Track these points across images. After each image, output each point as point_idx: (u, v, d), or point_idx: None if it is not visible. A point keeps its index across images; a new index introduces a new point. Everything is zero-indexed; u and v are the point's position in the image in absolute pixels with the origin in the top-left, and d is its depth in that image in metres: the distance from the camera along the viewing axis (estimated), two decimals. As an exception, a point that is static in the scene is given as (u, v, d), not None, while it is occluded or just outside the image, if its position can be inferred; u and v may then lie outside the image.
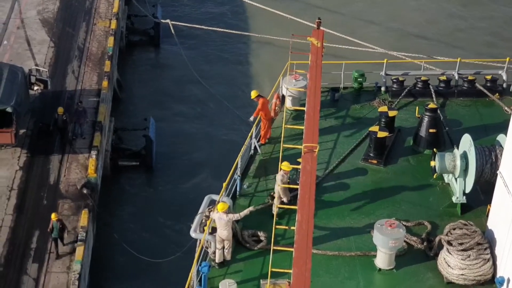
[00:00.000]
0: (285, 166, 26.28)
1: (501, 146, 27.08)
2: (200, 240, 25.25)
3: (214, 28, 48.16)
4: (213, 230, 25.28)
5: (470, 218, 26.22)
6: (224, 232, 24.70)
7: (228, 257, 25.14)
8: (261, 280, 24.10)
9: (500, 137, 27.44)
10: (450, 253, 24.61)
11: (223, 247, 24.95)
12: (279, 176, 26.43)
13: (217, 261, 25.08)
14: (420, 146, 30.33)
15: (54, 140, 35.26)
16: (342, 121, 32.03)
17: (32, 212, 31.38)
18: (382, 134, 29.65)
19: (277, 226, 23.93)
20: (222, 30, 47.96)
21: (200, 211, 26.20)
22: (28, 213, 31.33)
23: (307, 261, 19.96)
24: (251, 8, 51.40)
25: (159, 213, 36.07)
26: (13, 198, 31.99)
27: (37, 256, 29.40)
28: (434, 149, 28.49)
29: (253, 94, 30.29)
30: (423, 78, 33.70)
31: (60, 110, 34.69)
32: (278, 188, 26.42)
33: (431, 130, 30.07)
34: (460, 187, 27.33)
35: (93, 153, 34.08)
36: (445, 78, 33.89)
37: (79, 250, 29.14)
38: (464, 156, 27.18)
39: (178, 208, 35.79)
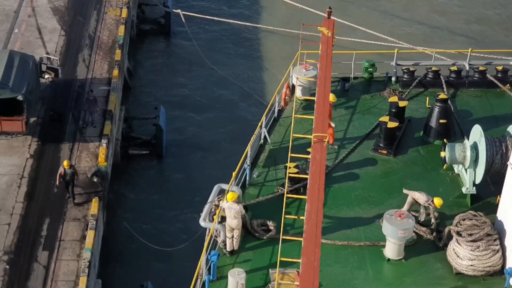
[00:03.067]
0: (437, 202, 25.75)
1: (511, 137, 27.01)
2: (210, 229, 25.33)
3: (224, 20, 48.10)
4: (223, 219, 25.36)
5: (480, 209, 26.20)
6: (234, 222, 24.76)
7: (236, 247, 25.21)
8: (270, 269, 24.18)
9: (511, 128, 27.37)
10: (459, 244, 24.60)
11: (233, 236, 25.02)
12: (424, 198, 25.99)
13: (228, 249, 25.16)
14: (430, 136, 30.29)
15: (65, 128, 35.37)
16: (352, 111, 31.99)
17: (43, 200, 31.50)
18: (392, 125, 29.61)
19: (287, 216, 23.97)
20: (232, 21, 47.90)
21: (209, 200, 26.28)
22: (39, 201, 31.45)
23: (316, 251, 19.98)
24: (262, -3, 51.46)
25: (168, 202, 36.16)
26: (23, 186, 32.11)
27: (48, 243, 29.52)
28: (444, 140, 28.45)
29: (332, 97, 29.16)
30: (433, 68, 33.64)
31: (66, 163, 30.83)
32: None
33: (441, 121, 30.03)
34: (470, 178, 27.28)
35: (104, 141, 34.15)
36: (456, 69, 33.80)
37: (90, 238, 29.26)
38: (474, 147, 27.12)
39: (187, 197, 35.87)
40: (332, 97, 28.93)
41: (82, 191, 31.80)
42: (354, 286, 24.27)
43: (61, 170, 30.91)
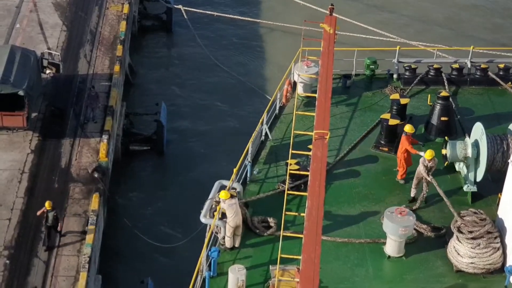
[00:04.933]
0: (428, 154, 26.25)
1: (513, 135, 27.01)
2: (210, 226, 25.33)
3: (226, 15, 48.08)
4: (223, 215, 25.35)
5: (481, 207, 26.21)
6: (236, 218, 24.68)
7: (238, 244, 25.19)
8: (270, 266, 24.20)
9: (512, 126, 27.37)
10: (460, 242, 24.59)
11: (234, 234, 24.99)
12: (420, 164, 26.59)
13: (227, 246, 25.14)
14: (431, 134, 30.27)
15: (66, 124, 35.37)
16: (354, 108, 31.98)
17: (43, 196, 31.44)
18: (393, 122, 29.60)
19: (287, 213, 23.97)
20: (234, 17, 47.87)
21: (210, 196, 26.27)
22: (39, 197, 31.44)
23: (317, 248, 19.98)
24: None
25: (169, 198, 36.16)
26: (24, 181, 32.11)
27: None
28: (446, 137, 28.44)
29: (409, 128, 28.09)
30: (435, 66, 33.61)
31: (48, 204, 28.77)
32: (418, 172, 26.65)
33: (442, 118, 30.01)
34: (471, 175, 27.27)
35: (105, 137, 34.15)
36: (458, 66, 33.78)
37: (90, 234, 29.25)
38: (476, 145, 27.10)
39: (188, 193, 35.85)
40: (409, 128, 27.86)
41: (82, 186, 31.88)
42: (355, 283, 24.27)
43: (43, 209, 28.82)
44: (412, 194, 27.11)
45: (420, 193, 26.92)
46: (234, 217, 24.71)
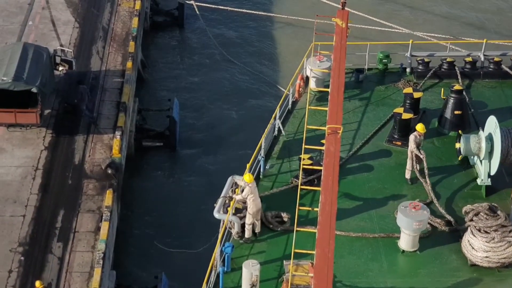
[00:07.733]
0: (420, 128, 27.00)
1: (527, 128, 26.88)
2: (224, 221, 25.34)
3: (238, 10, 48.05)
4: (237, 211, 25.36)
5: (495, 200, 26.10)
6: (256, 201, 24.85)
7: (258, 230, 25.34)
8: (284, 261, 24.16)
9: (526, 119, 27.26)
10: (474, 235, 24.50)
11: (255, 220, 25.13)
12: (412, 137, 27.12)
13: (247, 236, 25.15)
14: (445, 127, 30.16)
15: (79, 120, 35.46)
16: (366, 103, 31.90)
17: (57, 192, 31.60)
18: (406, 116, 29.51)
19: (301, 207, 23.95)
20: (246, 11, 47.83)
21: (223, 192, 26.28)
22: (53, 193, 31.55)
23: (331, 242, 19.96)
24: (276, -12, 51.30)
25: (182, 194, 36.20)
26: (38, 177, 32.22)
27: (62, 235, 29.62)
28: (459, 131, 28.34)
29: None
30: (448, 59, 33.46)
31: (38, 284, 26.05)
32: (411, 149, 27.12)
33: (456, 112, 29.88)
34: (485, 169, 27.16)
35: (118, 133, 34.21)
36: (471, 60, 33.61)
37: (104, 229, 29.34)
38: (489, 138, 26.99)
39: (201, 189, 35.91)
40: None
41: (96, 183, 31.97)
42: (369, 278, 24.23)
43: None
44: (408, 176, 27.30)
45: (415, 174, 27.33)
46: (255, 199, 24.77)
